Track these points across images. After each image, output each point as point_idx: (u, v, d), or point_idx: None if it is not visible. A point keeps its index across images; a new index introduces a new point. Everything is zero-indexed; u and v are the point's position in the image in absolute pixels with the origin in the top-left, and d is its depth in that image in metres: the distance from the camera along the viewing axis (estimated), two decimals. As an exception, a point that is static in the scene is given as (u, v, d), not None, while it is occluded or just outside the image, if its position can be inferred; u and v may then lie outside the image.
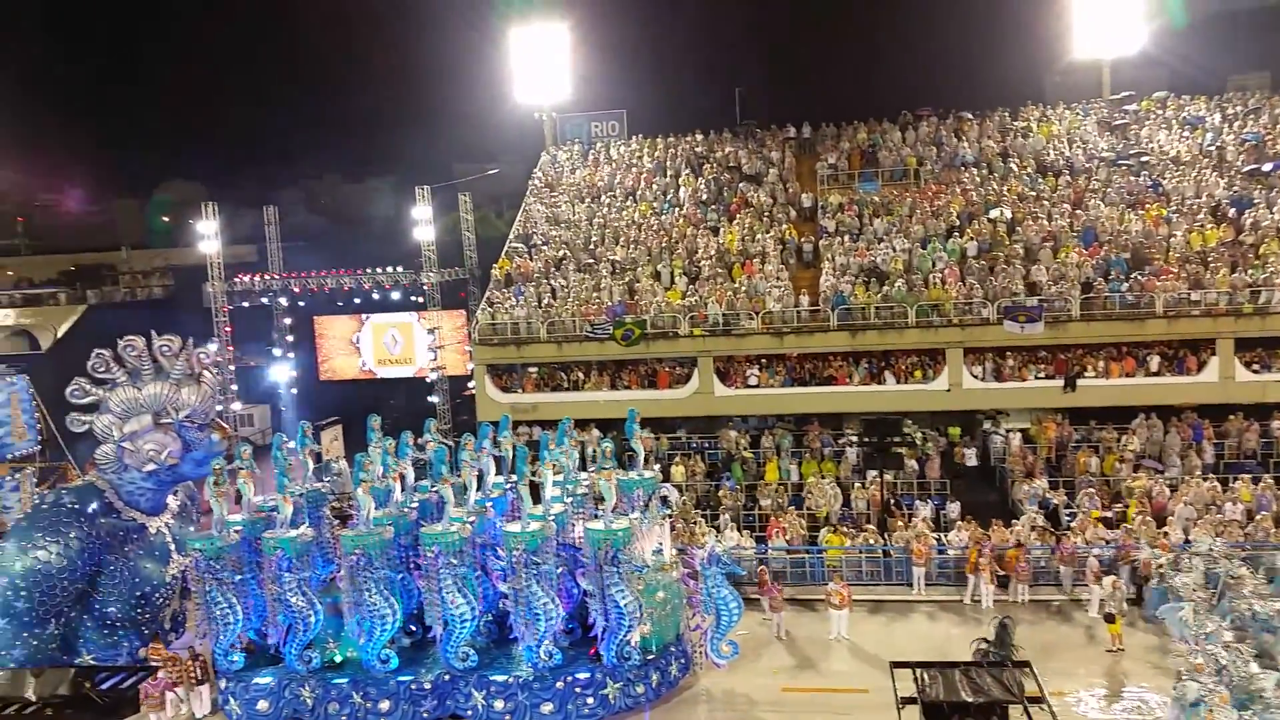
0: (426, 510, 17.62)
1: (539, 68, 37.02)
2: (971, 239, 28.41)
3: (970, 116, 34.87)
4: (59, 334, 35.89)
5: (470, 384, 31.61)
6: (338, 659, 16.49)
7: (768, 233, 30.74)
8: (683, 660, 16.98)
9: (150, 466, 18.11)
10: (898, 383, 26.66)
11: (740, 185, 33.45)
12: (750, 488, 25.18)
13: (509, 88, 37.86)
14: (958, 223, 29.42)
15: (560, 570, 16.38)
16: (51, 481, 22.27)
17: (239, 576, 16.60)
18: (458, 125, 50.05)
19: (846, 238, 29.78)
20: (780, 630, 19.02)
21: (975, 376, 26.29)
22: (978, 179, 31.48)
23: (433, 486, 18.03)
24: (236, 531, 16.72)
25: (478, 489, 17.54)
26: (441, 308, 35.06)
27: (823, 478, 24.76)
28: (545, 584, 15.72)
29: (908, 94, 37.08)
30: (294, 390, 38.05)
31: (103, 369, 18.14)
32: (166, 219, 68.55)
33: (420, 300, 35.13)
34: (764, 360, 27.74)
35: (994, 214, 29.37)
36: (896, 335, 26.58)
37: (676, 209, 33.11)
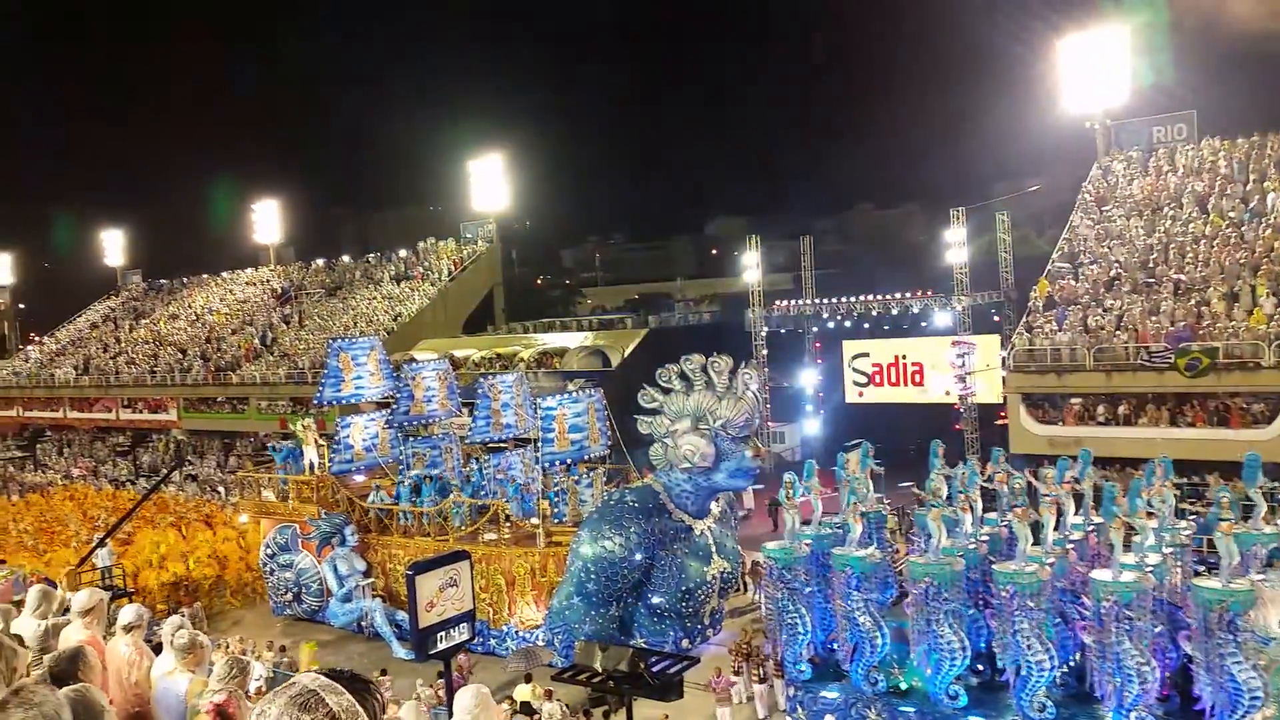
0: (996, 545, 16.60)
1: (1092, 73, 34.14)
2: None
3: None
4: (625, 353, 40.66)
5: (1002, 413, 29.89)
6: (903, 686, 16.14)
7: (1393, 242, 24.96)
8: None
9: (684, 465, 19.71)
10: None
11: (1352, 187, 27.65)
12: (1363, 555, 20.39)
13: (1055, 98, 35.44)
14: None
15: (1159, 629, 14.38)
16: (616, 481, 25.09)
17: (809, 588, 16.99)
18: (997, 143, 48.12)
19: None
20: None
21: None
22: None
23: (1003, 520, 16.96)
24: (806, 544, 17.12)
25: (1055, 528, 16.07)
26: (973, 332, 33.69)
27: None
28: (1140, 643, 13.87)
29: None
30: (821, 411, 39.16)
31: (666, 379, 20.10)
32: (715, 251, 75.17)
33: (951, 325, 34.13)
34: (1385, 399, 22.47)
35: None
36: None
37: (1261, 219, 28.28)
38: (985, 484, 17.76)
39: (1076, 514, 16.98)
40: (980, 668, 15.81)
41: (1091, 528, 16.39)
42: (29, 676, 4.63)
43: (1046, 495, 16.11)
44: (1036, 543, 15.31)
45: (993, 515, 17.52)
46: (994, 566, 15.12)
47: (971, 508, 16.79)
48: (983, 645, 15.75)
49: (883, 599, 16.51)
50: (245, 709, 4.41)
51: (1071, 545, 15.72)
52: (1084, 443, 25.69)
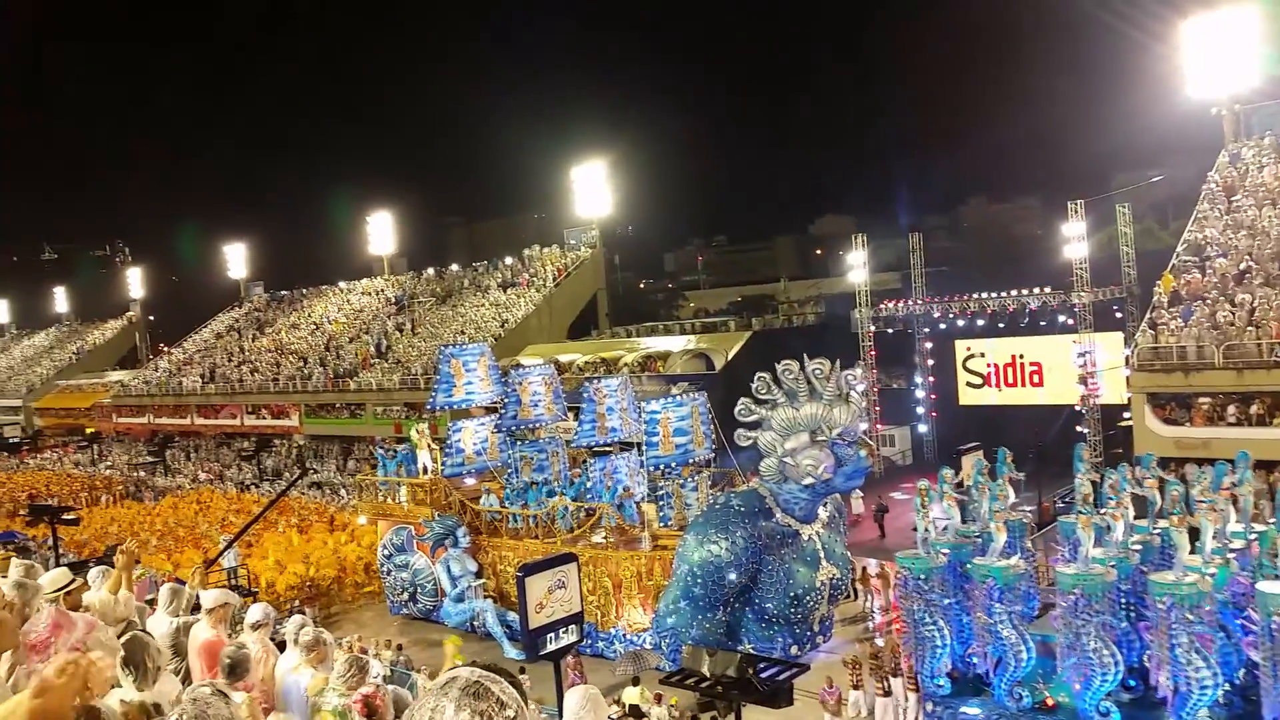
0: (1148, 554, 15.78)
1: (1218, 58, 32.44)
2: None
3: None
4: (729, 356, 40.43)
5: (1125, 414, 28.61)
6: (1049, 702, 15.47)
7: None
8: None
9: (809, 480, 19.36)
10: None
11: None
12: None
13: (1177, 85, 33.79)
14: None
15: None
16: (721, 485, 24.93)
17: (947, 600, 16.37)
18: (1116, 132, 46.27)
19: None
20: None
21: None
22: None
23: (1154, 527, 16.13)
24: (944, 554, 16.53)
25: (1213, 536, 15.15)
26: (1094, 330, 32.38)
27: None
28: None
29: None
30: (934, 414, 38.20)
31: (764, 390, 19.75)
32: (820, 251, 74.23)
33: (1070, 322, 32.88)
34: None
35: None
36: None
37: None
38: (1135, 490, 16.81)
39: (1236, 521, 15.95)
40: (1132, 683, 14.98)
41: (1254, 536, 15.34)
42: (165, 672, 4.84)
43: (1203, 501, 15.13)
44: (1193, 552, 14.43)
45: (1142, 523, 16.61)
46: (1150, 577, 14.24)
47: (1123, 515, 15.93)
48: (1135, 659, 14.93)
49: (1027, 610, 15.76)
50: (389, 703, 4.60)
51: (1232, 554, 14.75)
52: (1213, 445, 24.49)
